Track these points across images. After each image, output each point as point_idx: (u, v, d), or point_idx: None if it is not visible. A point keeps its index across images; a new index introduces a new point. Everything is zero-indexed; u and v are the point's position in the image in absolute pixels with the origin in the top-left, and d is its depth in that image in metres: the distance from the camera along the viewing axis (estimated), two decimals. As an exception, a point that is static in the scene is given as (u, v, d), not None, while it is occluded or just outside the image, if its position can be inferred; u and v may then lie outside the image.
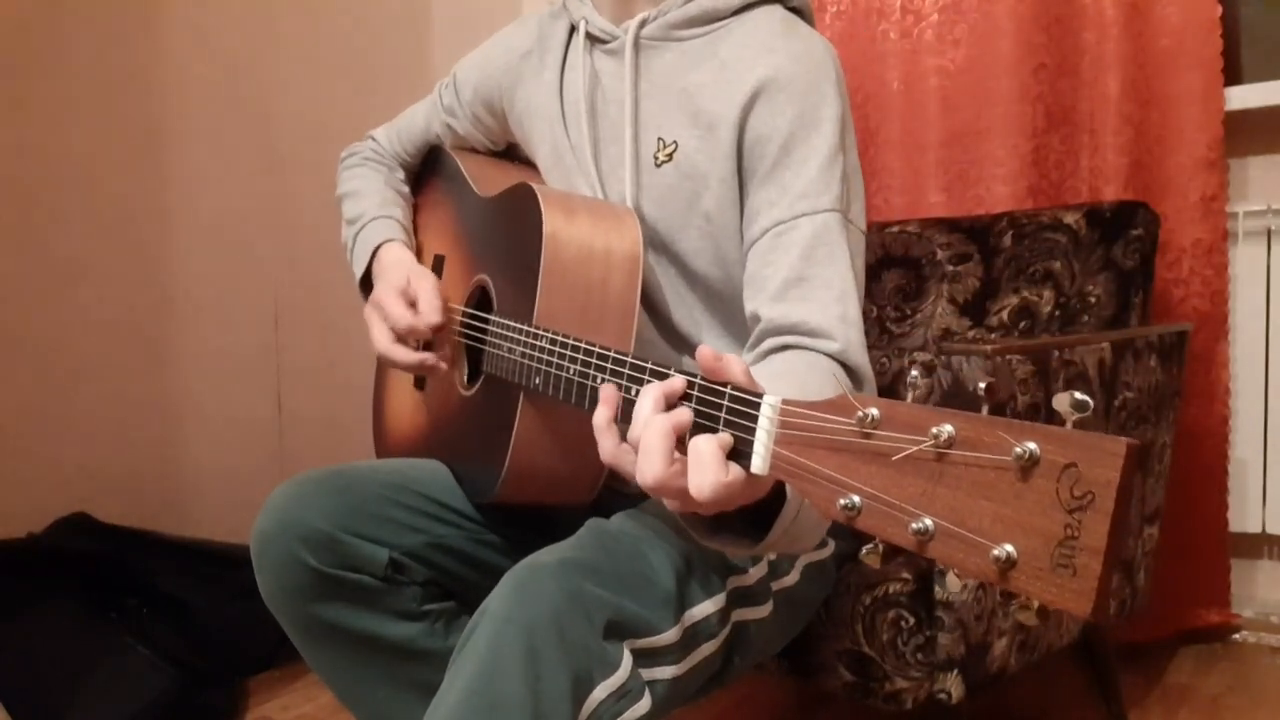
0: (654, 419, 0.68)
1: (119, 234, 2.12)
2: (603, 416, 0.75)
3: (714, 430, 0.67)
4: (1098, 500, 0.46)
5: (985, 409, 0.53)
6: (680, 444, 0.67)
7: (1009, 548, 0.49)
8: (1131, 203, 1.61)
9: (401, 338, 1.10)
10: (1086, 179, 1.84)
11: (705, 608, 0.90)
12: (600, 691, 0.78)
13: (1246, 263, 1.80)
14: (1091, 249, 1.59)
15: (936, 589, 1.13)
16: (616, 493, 1.07)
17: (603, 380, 0.80)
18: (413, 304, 1.11)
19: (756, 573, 0.98)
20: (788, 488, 0.70)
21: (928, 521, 0.52)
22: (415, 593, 1.04)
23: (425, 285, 1.11)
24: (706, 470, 0.64)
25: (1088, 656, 1.57)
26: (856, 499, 0.56)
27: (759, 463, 0.63)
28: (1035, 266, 1.63)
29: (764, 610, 0.98)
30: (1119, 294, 1.57)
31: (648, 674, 0.83)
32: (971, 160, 1.90)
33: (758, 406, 0.64)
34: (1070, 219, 1.62)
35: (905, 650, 1.14)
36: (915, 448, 0.53)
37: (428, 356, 1.10)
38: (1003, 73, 1.84)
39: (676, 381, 0.70)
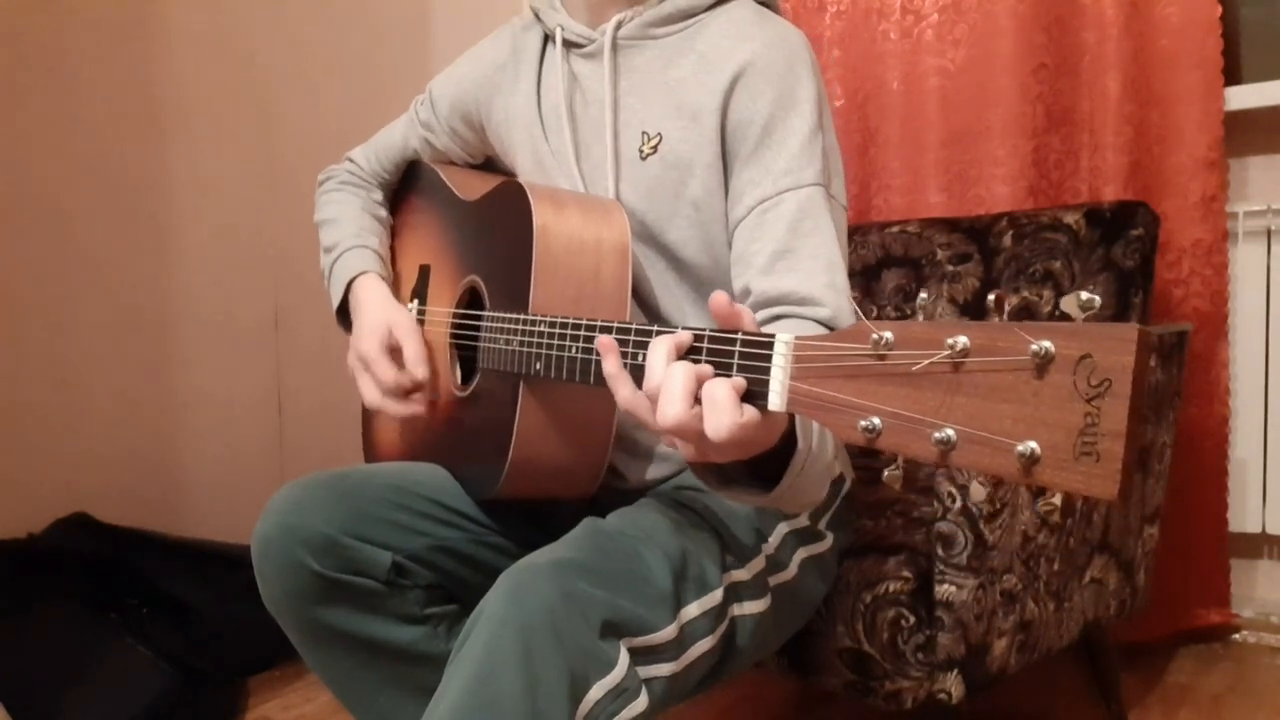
0: (674, 365, 0.70)
1: (119, 234, 2.12)
2: (613, 364, 0.77)
3: (728, 376, 0.68)
4: (1115, 385, 0.47)
5: (997, 318, 0.53)
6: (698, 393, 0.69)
7: (1032, 444, 0.50)
8: (1131, 203, 1.60)
9: (388, 393, 1.12)
10: (1086, 179, 1.84)
11: (702, 604, 0.90)
12: (597, 690, 0.78)
13: (1246, 263, 1.80)
14: (1091, 249, 1.59)
15: (937, 590, 1.13)
16: (614, 490, 1.08)
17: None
18: (396, 354, 1.13)
19: (754, 568, 0.98)
20: (798, 436, 0.73)
21: (949, 431, 0.53)
22: (418, 596, 1.04)
23: (408, 339, 1.13)
24: (723, 413, 0.66)
25: (1088, 656, 1.57)
26: (876, 420, 0.57)
27: (776, 400, 0.65)
28: (1035, 266, 1.63)
29: (761, 605, 0.98)
30: (1119, 294, 1.57)
31: (644, 672, 0.84)
32: (971, 160, 1.90)
33: (771, 346, 0.65)
34: (1070, 219, 1.62)
35: (905, 650, 1.14)
36: (928, 361, 0.54)
37: (417, 408, 1.12)
38: (1003, 73, 1.84)
39: (683, 335, 0.72)
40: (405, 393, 1.12)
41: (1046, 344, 0.49)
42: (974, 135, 1.89)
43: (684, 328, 0.73)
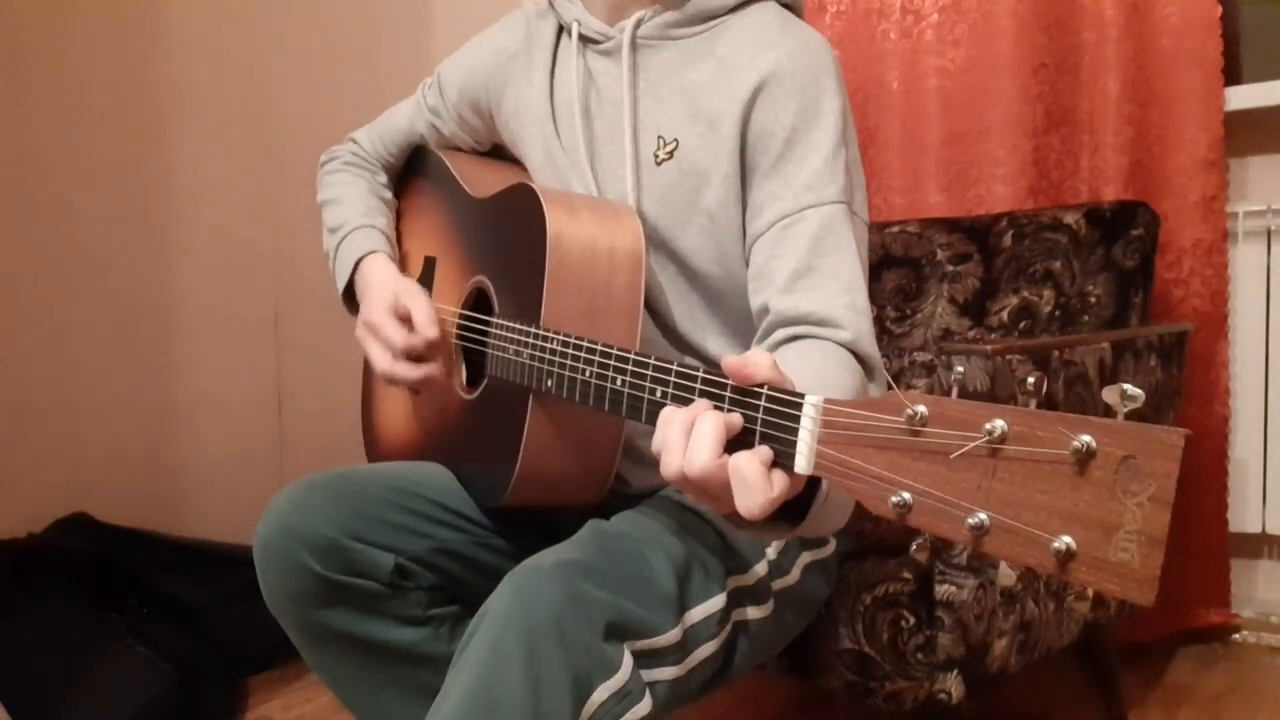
0: (705, 415, 0.67)
1: (119, 234, 2.12)
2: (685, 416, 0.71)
3: (752, 430, 0.67)
4: (1158, 491, 0.47)
5: (1033, 403, 0.53)
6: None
7: (1068, 539, 0.49)
8: (1131, 203, 1.60)
9: (399, 356, 1.10)
10: (1086, 179, 1.84)
11: (706, 608, 0.90)
12: (601, 693, 0.78)
13: (1246, 263, 1.80)
14: (1091, 249, 1.59)
15: (937, 590, 1.13)
16: (618, 495, 1.07)
17: (624, 381, 0.80)
18: (405, 320, 1.11)
19: (757, 572, 0.98)
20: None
21: (983, 516, 0.52)
22: (420, 598, 1.04)
23: (417, 301, 1.11)
24: (754, 493, 0.64)
25: (1088, 656, 1.57)
26: (907, 496, 0.56)
27: (803, 463, 0.63)
28: (1035, 266, 1.63)
29: (765, 610, 0.98)
30: (1119, 294, 1.57)
31: (648, 675, 0.83)
32: (971, 160, 1.90)
33: (799, 407, 0.64)
34: (1070, 219, 1.62)
35: (905, 650, 1.14)
36: (970, 444, 0.53)
37: (430, 369, 1.10)
38: (1003, 73, 1.83)
39: (699, 406, 0.69)
40: (417, 356, 1.10)
41: (1088, 439, 0.49)
42: (974, 135, 1.89)
43: (705, 374, 0.71)
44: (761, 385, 0.67)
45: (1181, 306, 1.78)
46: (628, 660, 0.81)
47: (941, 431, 0.55)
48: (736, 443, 0.67)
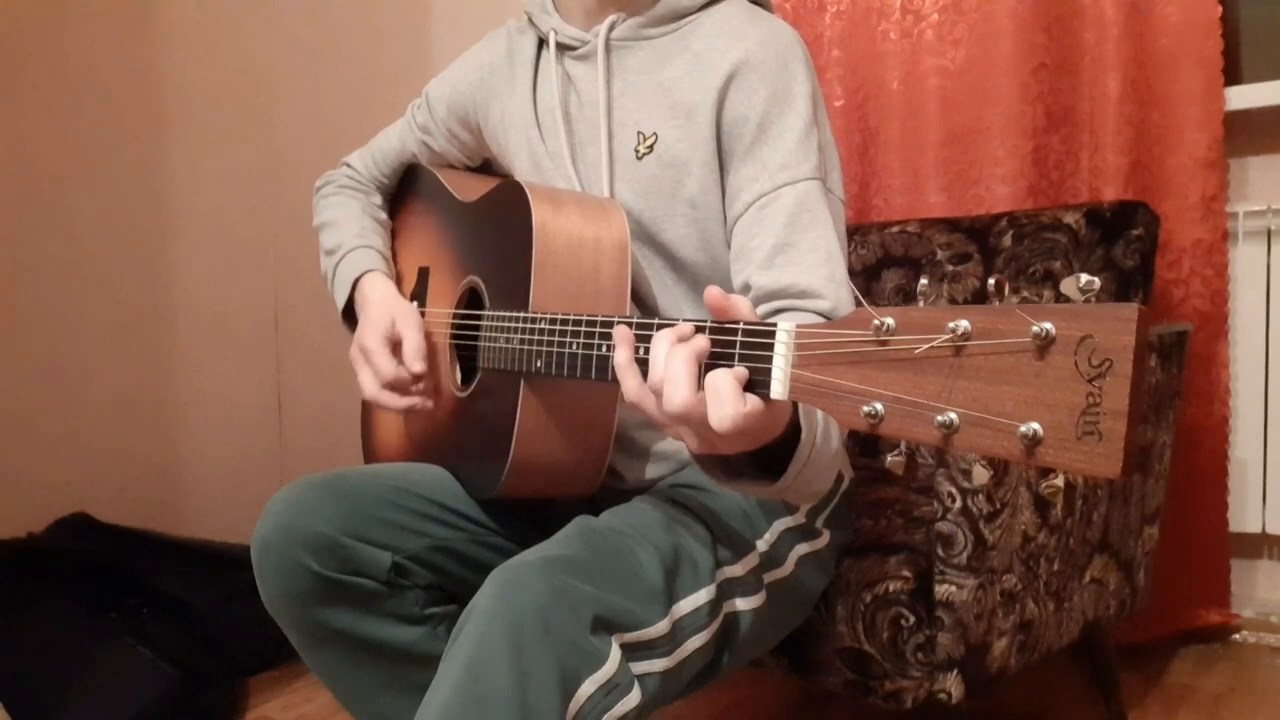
0: (675, 349, 0.70)
1: (119, 234, 2.12)
2: (624, 356, 0.77)
3: (729, 366, 0.69)
4: (1116, 365, 0.48)
5: (996, 302, 0.54)
6: (701, 378, 0.70)
7: (1034, 425, 0.50)
8: (1131, 203, 1.60)
9: (387, 386, 1.11)
10: (1086, 179, 1.84)
11: (694, 600, 0.91)
12: (589, 686, 0.78)
13: (1246, 263, 1.80)
14: (1091, 249, 1.59)
15: (937, 590, 1.13)
16: (612, 490, 1.08)
17: (609, 346, 0.82)
18: (396, 346, 1.13)
19: (748, 564, 0.98)
20: (802, 427, 0.73)
21: (951, 415, 0.53)
22: (417, 596, 1.05)
23: (409, 331, 1.13)
24: (725, 403, 0.66)
25: (1088, 656, 1.57)
26: (879, 406, 0.57)
27: (779, 388, 0.65)
28: (1035, 266, 1.63)
29: (756, 601, 0.98)
30: (1119, 294, 1.57)
31: (637, 667, 0.84)
32: (971, 160, 1.90)
33: (773, 335, 0.66)
34: (1070, 219, 1.62)
35: (905, 649, 1.14)
36: (930, 344, 0.55)
37: (414, 402, 1.12)
38: (1003, 73, 1.84)
39: (685, 327, 0.72)
40: (403, 387, 1.12)
41: (1047, 325, 0.50)
42: (974, 135, 1.89)
43: (684, 319, 0.73)
44: (738, 323, 0.69)
45: (1181, 306, 1.78)
46: (615, 653, 0.82)
47: (908, 338, 0.56)
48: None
